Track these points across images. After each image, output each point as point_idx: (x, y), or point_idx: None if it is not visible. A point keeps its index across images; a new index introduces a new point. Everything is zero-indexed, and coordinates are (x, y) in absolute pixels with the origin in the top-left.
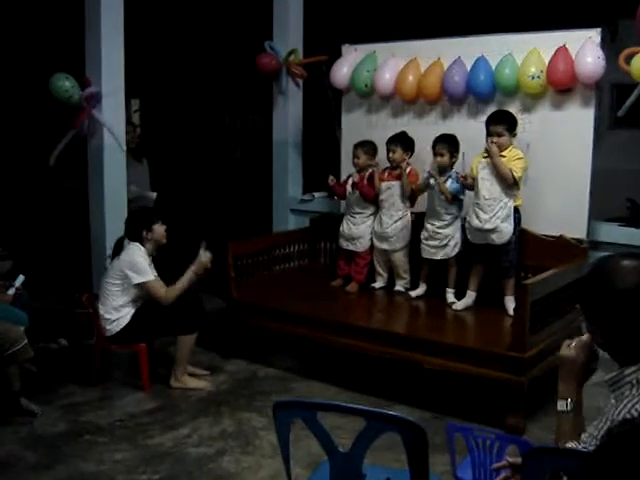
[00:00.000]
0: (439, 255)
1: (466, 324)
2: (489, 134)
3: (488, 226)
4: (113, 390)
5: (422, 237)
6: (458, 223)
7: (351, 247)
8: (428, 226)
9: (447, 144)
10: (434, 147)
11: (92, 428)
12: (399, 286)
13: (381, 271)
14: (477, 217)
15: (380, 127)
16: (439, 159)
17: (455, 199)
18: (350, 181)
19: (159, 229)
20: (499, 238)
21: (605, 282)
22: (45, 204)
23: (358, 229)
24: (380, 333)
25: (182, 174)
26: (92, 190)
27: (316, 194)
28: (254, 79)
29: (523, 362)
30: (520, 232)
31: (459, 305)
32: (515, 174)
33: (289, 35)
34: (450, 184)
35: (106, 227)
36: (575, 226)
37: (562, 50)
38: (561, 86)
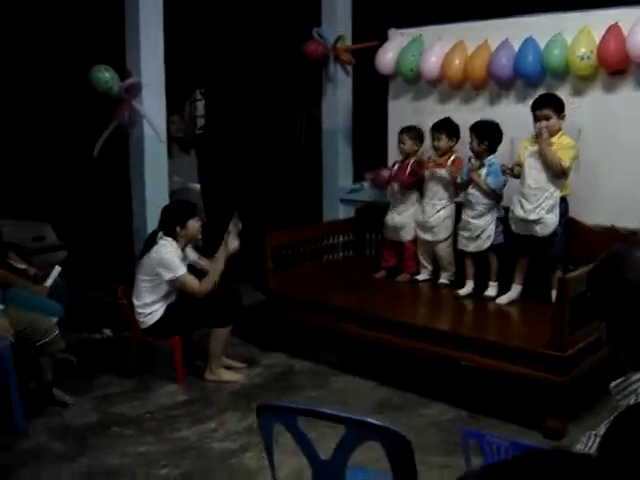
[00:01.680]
0: (471, 247)
1: (508, 320)
2: (536, 119)
3: (532, 217)
4: (148, 382)
5: (458, 227)
6: (493, 214)
7: (395, 237)
8: (463, 215)
9: (481, 129)
10: (470, 131)
11: (121, 420)
12: (443, 279)
13: (425, 263)
14: (521, 207)
15: (427, 113)
16: (471, 144)
17: (494, 194)
18: (395, 168)
19: (194, 225)
20: (543, 230)
21: (615, 272)
22: (98, 193)
23: (401, 218)
24: (416, 329)
25: (243, 165)
26: (134, 180)
27: (365, 183)
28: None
29: (563, 361)
30: (568, 222)
31: (503, 299)
32: (563, 163)
33: (337, 21)
34: (489, 177)
35: (147, 217)
36: (630, 215)
37: (614, 28)
38: (612, 67)
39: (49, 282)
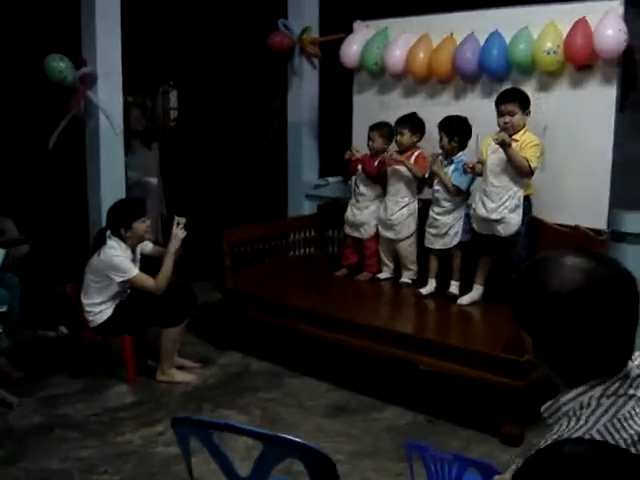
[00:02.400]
0: (438, 244)
1: (468, 322)
2: (500, 114)
3: (494, 216)
4: (98, 382)
5: (426, 224)
6: (461, 211)
7: (356, 234)
8: (430, 212)
9: (451, 126)
10: (439, 129)
11: (66, 422)
12: (405, 278)
13: (387, 261)
14: (484, 206)
15: (392, 108)
16: (441, 142)
17: (459, 192)
18: (359, 161)
19: (139, 227)
20: (505, 229)
21: (538, 281)
22: (59, 186)
23: (362, 214)
24: (373, 329)
25: (211, 158)
26: (89, 174)
27: (330, 179)
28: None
29: (521, 365)
30: (531, 222)
31: (464, 300)
32: (531, 164)
33: (304, 13)
34: (455, 175)
35: (102, 213)
36: (595, 215)
37: (581, 23)
38: (579, 62)
39: None
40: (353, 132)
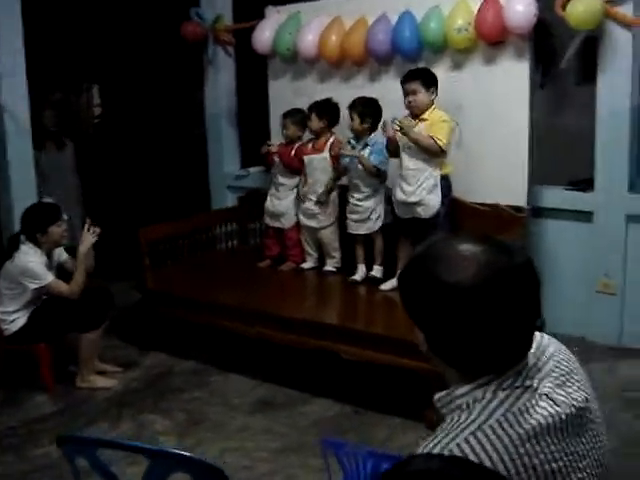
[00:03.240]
0: (362, 229)
1: (391, 308)
2: (405, 94)
3: (413, 199)
4: (16, 393)
5: (347, 211)
6: (381, 195)
7: (277, 224)
8: (349, 199)
9: (362, 107)
10: (349, 111)
11: None
12: (329, 266)
13: (310, 250)
14: (401, 189)
15: (307, 94)
16: (352, 123)
17: (379, 172)
18: (277, 149)
19: (55, 231)
20: (425, 211)
21: (428, 271)
22: None
23: (282, 204)
24: (295, 321)
25: (132, 154)
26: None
27: (252, 169)
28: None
29: None
30: (451, 202)
31: (387, 285)
32: (440, 142)
33: (216, 0)
34: (372, 156)
35: (14, 216)
36: (514, 192)
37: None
38: (491, 39)
39: None
40: (270, 120)
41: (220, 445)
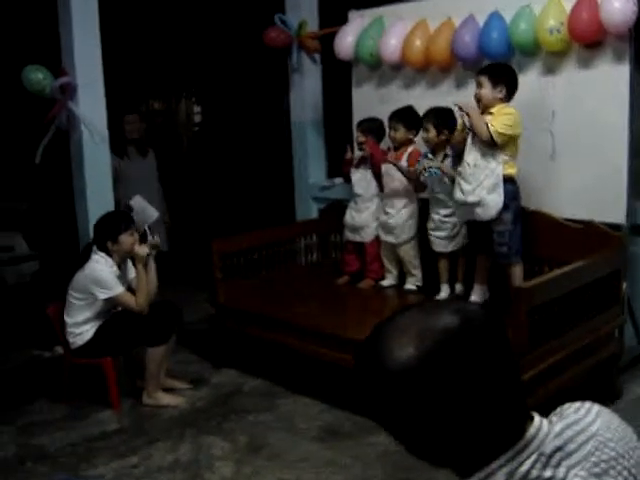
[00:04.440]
0: (450, 247)
1: None
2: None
3: (471, 199)
4: (81, 409)
5: (429, 228)
6: None
7: (357, 238)
8: (434, 216)
9: (436, 119)
10: (424, 121)
11: (39, 453)
12: (410, 284)
13: (390, 267)
14: (460, 189)
15: (392, 101)
16: (427, 135)
17: None
18: (353, 157)
19: (127, 240)
20: (484, 212)
21: (375, 360)
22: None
23: (361, 217)
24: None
25: (228, 163)
26: (75, 187)
27: (337, 180)
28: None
29: None
30: (520, 211)
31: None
32: (491, 128)
33: (301, 6)
34: (453, 164)
35: (90, 226)
36: (611, 208)
37: None
38: (586, 40)
39: None
40: (354, 128)
41: (277, 475)
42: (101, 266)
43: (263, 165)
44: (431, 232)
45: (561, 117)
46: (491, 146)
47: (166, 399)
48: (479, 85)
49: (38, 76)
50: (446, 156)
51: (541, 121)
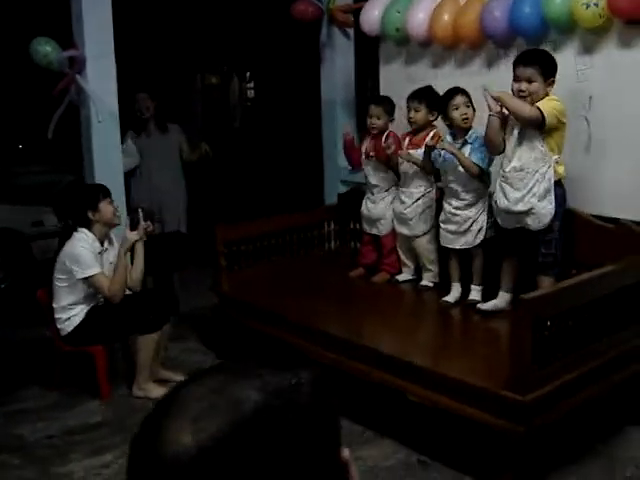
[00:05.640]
0: (459, 243)
1: (477, 342)
2: (516, 79)
3: (520, 207)
4: (71, 397)
5: (440, 220)
6: (484, 203)
7: (374, 230)
8: (445, 206)
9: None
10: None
11: (16, 444)
12: (426, 280)
13: (406, 261)
14: (504, 195)
15: (418, 81)
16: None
17: (482, 173)
18: (364, 145)
19: (107, 208)
20: (536, 222)
21: (148, 449)
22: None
23: (377, 208)
24: (361, 349)
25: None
26: (85, 165)
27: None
28: None
29: (522, 406)
30: (567, 214)
31: (487, 306)
32: (544, 112)
33: None
34: (472, 155)
35: None
36: None
37: None
38: (627, 15)
39: None
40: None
41: None
42: (82, 243)
43: (298, 145)
44: (441, 224)
45: (599, 103)
46: (538, 137)
47: (156, 391)
48: (528, 80)
49: (46, 49)
50: (466, 142)
51: (576, 107)
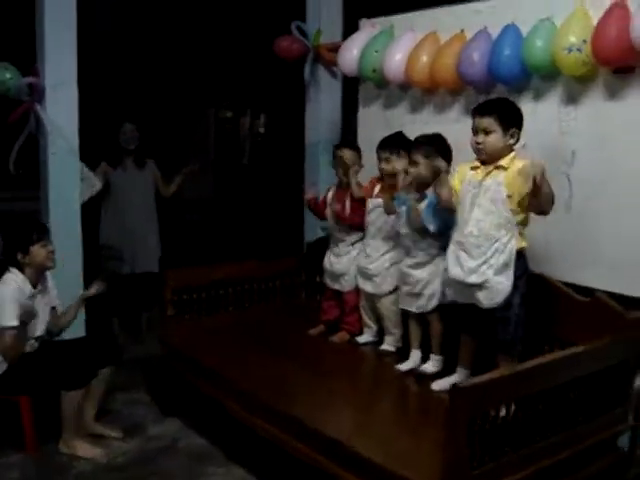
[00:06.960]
0: (413, 306)
1: (419, 423)
2: (473, 131)
3: (473, 279)
4: None
5: (398, 280)
6: (438, 265)
7: (336, 286)
8: (401, 264)
9: (428, 147)
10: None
11: None
12: (387, 344)
13: (368, 321)
14: (458, 263)
15: (396, 126)
16: (414, 169)
17: (425, 234)
18: (330, 196)
19: (39, 251)
20: (488, 298)
21: None
22: None
23: (341, 263)
24: (295, 424)
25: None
26: (41, 201)
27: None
28: None
29: None
30: (535, 280)
31: (438, 384)
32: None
33: (322, 14)
34: (425, 212)
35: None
36: (635, 276)
37: (616, 8)
38: (613, 63)
39: None
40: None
41: None
42: (10, 286)
43: (286, 187)
44: (398, 284)
45: (582, 159)
46: (548, 209)
47: (82, 450)
48: (484, 131)
49: (5, 75)
50: (424, 196)
51: (557, 162)
